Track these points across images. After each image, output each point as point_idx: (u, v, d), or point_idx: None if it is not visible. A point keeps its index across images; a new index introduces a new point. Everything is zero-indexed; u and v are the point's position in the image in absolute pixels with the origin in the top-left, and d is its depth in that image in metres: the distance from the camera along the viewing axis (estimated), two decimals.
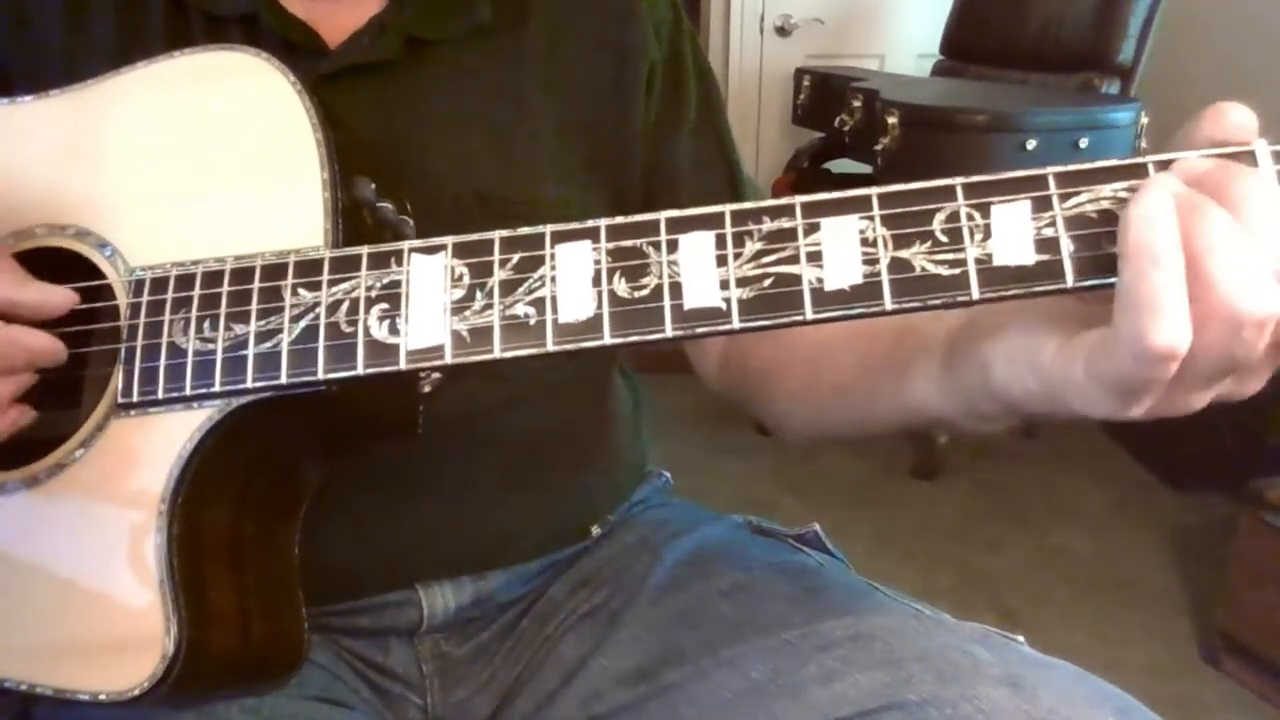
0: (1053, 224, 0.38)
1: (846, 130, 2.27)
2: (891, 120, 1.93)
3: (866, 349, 0.54)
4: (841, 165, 2.66)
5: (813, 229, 0.40)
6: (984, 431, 0.46)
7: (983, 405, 0.44)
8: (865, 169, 2.22)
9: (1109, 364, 0.36)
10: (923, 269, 0.39)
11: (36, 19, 0.62)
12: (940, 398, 0.47)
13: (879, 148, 1.97)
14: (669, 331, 0.41)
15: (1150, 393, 0.36)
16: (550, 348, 0.42)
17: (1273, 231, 0.34)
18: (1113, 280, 0.36)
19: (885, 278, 0.39)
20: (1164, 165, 0.37)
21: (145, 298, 0.49)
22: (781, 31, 3.13)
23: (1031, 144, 1.82)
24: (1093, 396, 0.38)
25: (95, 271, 0.51)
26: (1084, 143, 1.85)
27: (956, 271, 0.38)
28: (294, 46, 0.60)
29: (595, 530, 0.70)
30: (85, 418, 0.49)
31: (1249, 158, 0.36)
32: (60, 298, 0.50)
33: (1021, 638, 0.54)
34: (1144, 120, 1.94)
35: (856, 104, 2.21)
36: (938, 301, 0.39)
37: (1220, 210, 0.34)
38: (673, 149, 0.69)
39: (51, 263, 0.52)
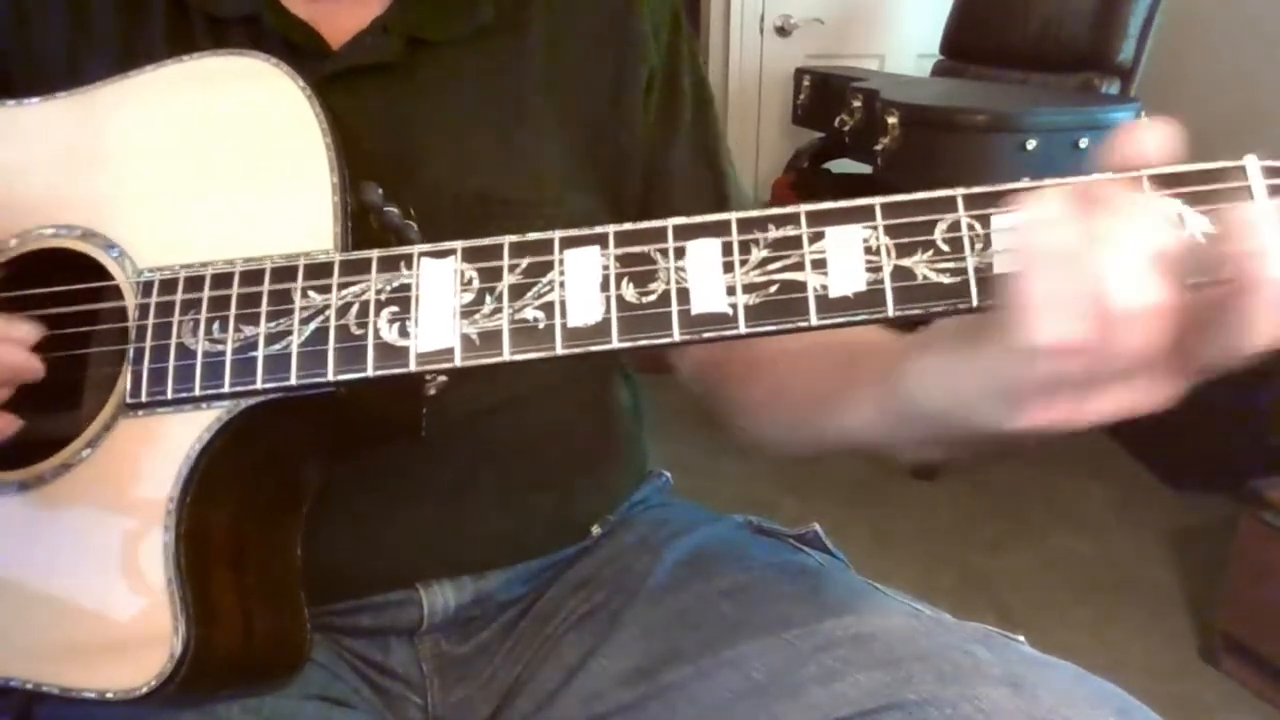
0: None
1: (846, 130, 2.27)
2: (891, 120, 1.93)
3: (822, 366, 0.55)
4: (841, 165, 2.66)
5: (817, 237, 0.41)
6: (925, 459, 0.47)
7: (912, 428, 0.45)
8: (865, 169, 2.22)
9: (1003, 368, 0.38)
10: (924, 277, 0.39)
11: (38, 18, 0.62)
12: (878, 420, 0.47)
13: (879, 148, 1.97)
14: (676, 336, 0.41)
15: (1043, 395, 0.37)
16: (559, 351, 0.42)
17: (1137, 228, 0.35)
18: None
19: (888, 285, 0.40)
20: (1157, 179, 0.38)
21: (154, 299, 0.49)
22: (781, 31, 3.13)
23: (1031, 144, 1.82)
24: (992, 406, 0.39)
25: (102, 273, 0.51)
26: (1084, 143, 1.85)
27: (957, 280, 0.39)
28: (296, 48, 0.60)
29: (595, 530, 0.70)
30: (92, 418, 0.50)
31: (1239, 173, 0.37)
32: (24, 333, 0.49)
33: (1022, 638, 0.54)
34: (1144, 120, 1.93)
35: (856, 104, 2.21)
36: (939, 308, 0.39)
37: (1100, 218, 0.35)
38: (667, 155, 0.69)
39: (58, 264, 0.52)
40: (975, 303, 0.39)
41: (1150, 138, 0.38)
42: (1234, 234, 0.34)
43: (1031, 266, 0.36)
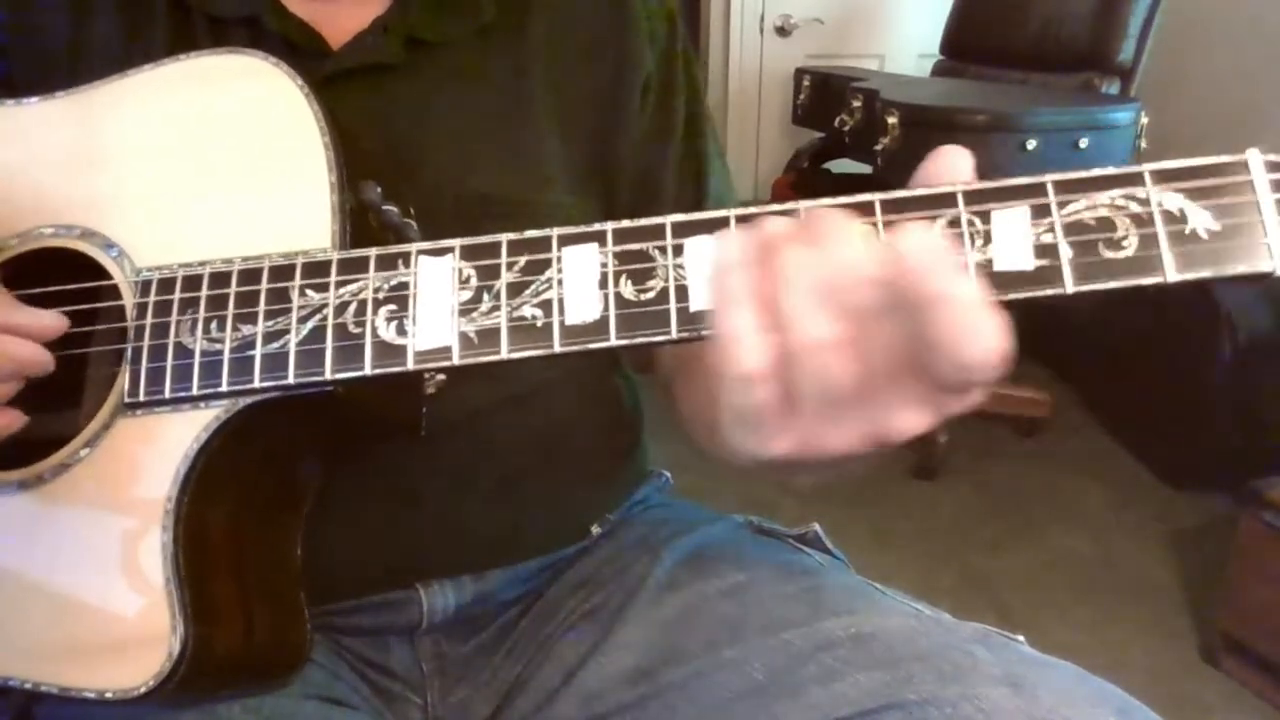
0: (1052, 230, 0.38)
1: (846, 130, 2.27)
2: (891, 120, 1.93)
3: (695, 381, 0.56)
4: (841, 165, 2.66)
5: None
6: (801, 482, 0.46)
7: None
8: (865, 169, 2.22)
9: (722, 397, 0.38)
10: None
11: (39, 16, 0.62)
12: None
13: (879, 148, 1.97)
14: (674, 333, 0.41)
15: (767, 420, 0.37)
16: (558, 349, 0.42)
17: (811, 262, 0.36)
18: (1111, 285, 0.37)
19: None
20: (1159, 174, 0.38)
21: (152, 298, 0.49)
22: (781, 31, 3.13)
23: (1031, 144, 1.82)
24: (736, 432, 0.39)
25: (101, 273, 0.51)
26: (1084, 143, 1.85)
27: None
28: (296, 48, 0.60)
29: (595, 530, 0.70)
30: (90, 417, 0.50)
31: (1242, 167, 0.37)
32: (51, 322, 0.50)
33: (1022, 637, 0.54)
34: (1144, 120, 1.94)
35: (856, 104, 2.21)
36: None
37: (788, 251, 0.36)
38: (659, 161, 0.69)
39: (57, 263, 0.52)
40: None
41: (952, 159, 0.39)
42: (903, 259, 0.34)
43: (719, 301, 0.37)
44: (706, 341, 0.39)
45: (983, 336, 0.34)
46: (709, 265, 0.39)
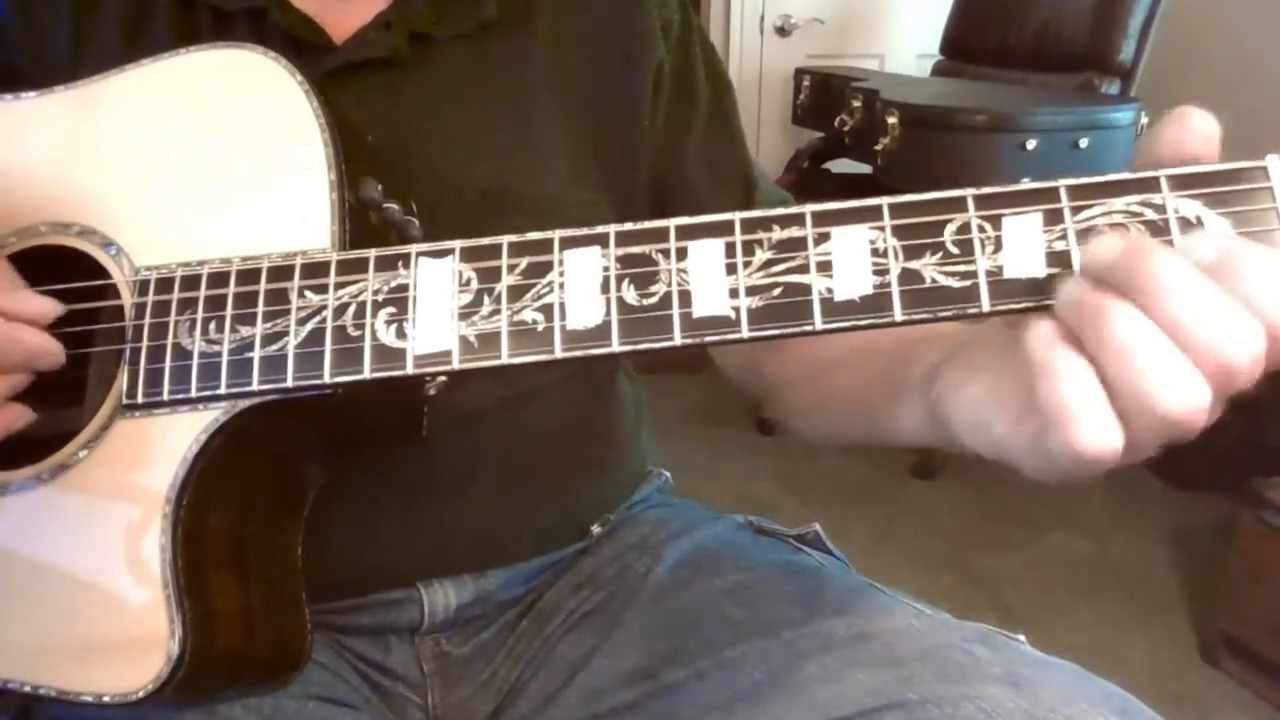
0: (1064, 237, 0.37)
1: (846, 130, 2.27)
2: (891, 120, 1.93)
3: (864, 372, 0.53)
4: (841, 165, 2.66)
5: (823, 238, 0.40)
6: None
7: (965, 448, 0.44)
8: (865, 169, 2.22)
9: (1051, 462, 0.36)
10: (933, 280, 0.38)
11: (44, 10, 0.62)
12: (930, 434, 0.46)
13: (879, 148, 1.97)
14: (678, 340, 0.40)
15: (1096, 472, 0.36)
16: (559, 354, 0.41)
17: (1189, 314, 0.33)
18: None
19: (895, 289, 0.38)
20: (1175, 180, 0.37)
21: (150, 298, 0.48)
22: (781, 31, 3.13)
23: (1031, 144, 1.82)
24: (1044, 475, 0.38)
25: (99, 270, 0.51)
26: (1084, 143, 1.85)
27: (967, 283, 0.38)
28: (300, 42, 0.60)
29: (595, 530, 0.70)
30: (89, 417, 0.49)
31: (1261, 174, 0.36)
32: (44, 306, 0.49)
33: (1022, 637, 0.54)
34: (1144, 120, 1.93)
35: (856, 104, 2.21)
36: (948, 313, 0.38)
37: (1125, 309, 0.34)
38: (682, 156, 0.68)
39: (55, 261, 0.52)
40: (986, 307, 0.38)
41: (1199, 123, 0.36)
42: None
43: (1053, 383, 0.34)
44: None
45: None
46: (1026, 337, 0.35)
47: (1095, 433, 0.34)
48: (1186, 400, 0.33)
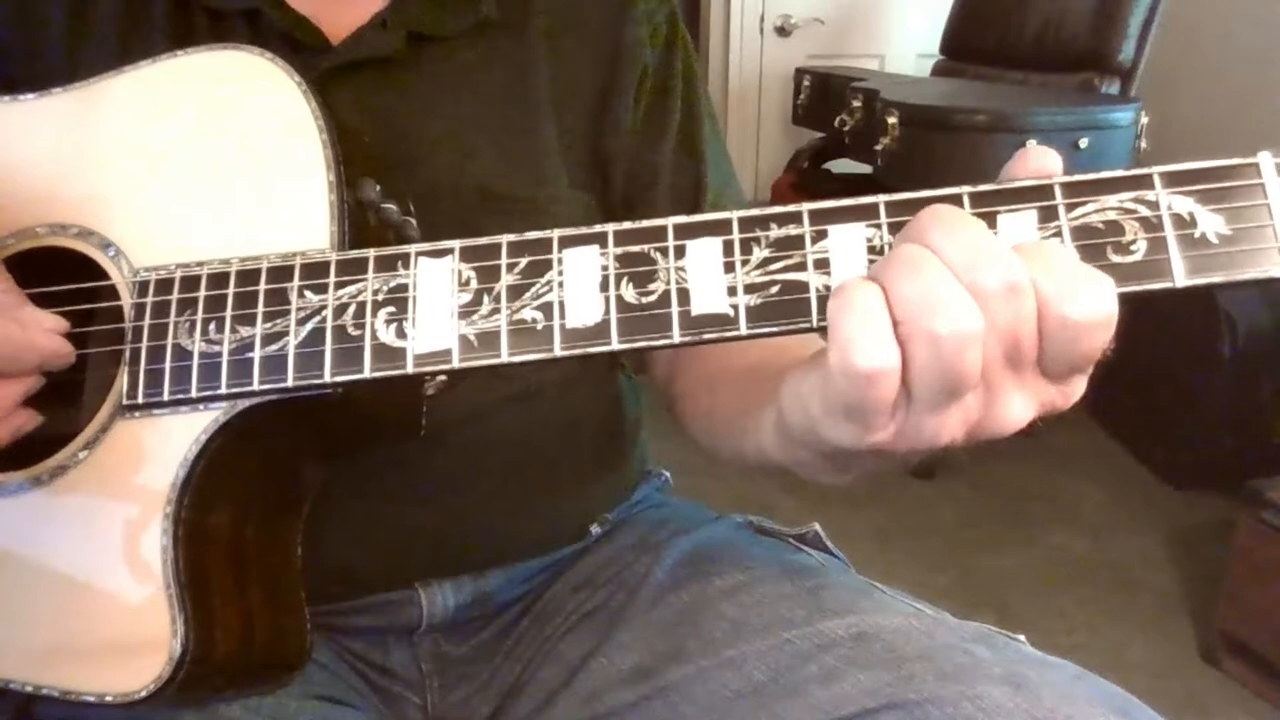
0: (1059, 234, 0.38)
1: (846, 130, 2.27)
2: (891, 120, 1.93)
3: (746, 386, 0.54)
4: (841, 165, 2.66)
5: (820, 236, 0.40)
6: (825, 483, 0.45)
7: (798, 451, 0.44)
8: (865, 169, 2.22)
9: (833, 390, 0.37)
10: None
11: (39, 11, 0.62)
12: (774, 444, 0.46)
13: (879, 148, 1.97)
14: (676, 338, 0.40)
15: (878, 414, 0.36)
16: (558, 353, 0.42)
17: (962, 252, 0.35)
18: (1118, 290, 0.36)
19: None
20: (1168, 177, 0.37)
21: (150, 299, 0.48)
22: (781, 31, 3.13)
23: (1031, 144, 1.82)
24: (833, 424, 0.38)
25: (98, 272, 0.51)
26: (1084, 143, 1.85)
27: None
28: (296, 42, 0.60)
29: (595, 529, 0.70)
30: (89, 419, 0.49)
31: (1253, 170, 0.36)
32: (54, 324, 0.49)
33: (1022, 637, 0.54)
34: (1144, 120, 1.94)
35: (856, 104, 2.22)
36: None
37: (911, 245, 0.35)
38: (654, 158, 0.69)
39: (54, 263, 0.52)
40: None
41: (1037, 160, 0.38)
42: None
43: (840, 298, 0.36)
44: (789, 337, 0.38)
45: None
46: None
47: (868, 350, 0.35)
48: (948, 322, 0.34)
